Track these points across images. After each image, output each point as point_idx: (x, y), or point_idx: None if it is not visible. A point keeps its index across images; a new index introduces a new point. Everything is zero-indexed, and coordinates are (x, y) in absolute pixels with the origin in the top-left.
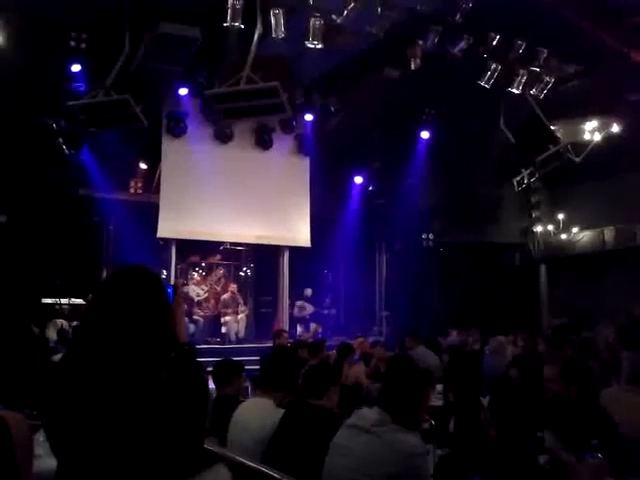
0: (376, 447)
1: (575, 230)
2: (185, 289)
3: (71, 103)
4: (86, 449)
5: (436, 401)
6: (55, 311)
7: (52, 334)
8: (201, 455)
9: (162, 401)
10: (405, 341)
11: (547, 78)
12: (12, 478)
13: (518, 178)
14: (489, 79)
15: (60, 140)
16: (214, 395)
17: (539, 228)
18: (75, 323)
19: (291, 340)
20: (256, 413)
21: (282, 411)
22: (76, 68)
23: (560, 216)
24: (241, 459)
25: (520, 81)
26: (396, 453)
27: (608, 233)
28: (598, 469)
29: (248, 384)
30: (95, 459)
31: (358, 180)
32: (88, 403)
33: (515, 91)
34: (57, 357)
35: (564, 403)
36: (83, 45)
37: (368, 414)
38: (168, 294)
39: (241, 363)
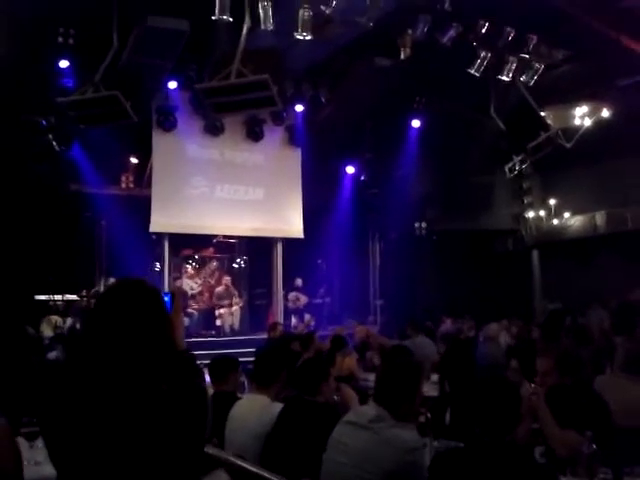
0: (374, 444)
1: (567, 215)
2: (179, 283)
3: (60, 100)
4: (85, 458)
5: (432, 391)
6: (49, 307)
7: (46, 330)
8: (201, 462)
9: (162, 411)
10: (406, 329)
11: (537, 65)
12: None
13: (510, 165)
14: (479, 67)
15: (50, 136)
16: (211, 392)
17: (531, 214)
18: (69, 319)
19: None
20: (253, 410)
21: (279, 405)
22: (64, 64)
23: (552, 201)
24: (241, 463)
25: (510, 68)
26: (394, 449)
27: (599, 218)
28: (593, 458)
29: (244, 379)
30: (94, 468)
31: (350, 170)
32: (88, 412)
33: (505, 78)
34: (52, 354)
35: (558, 393)
36: (71, 41)
37: (366, 410)
38: (166, 304)
39: (237, 359)
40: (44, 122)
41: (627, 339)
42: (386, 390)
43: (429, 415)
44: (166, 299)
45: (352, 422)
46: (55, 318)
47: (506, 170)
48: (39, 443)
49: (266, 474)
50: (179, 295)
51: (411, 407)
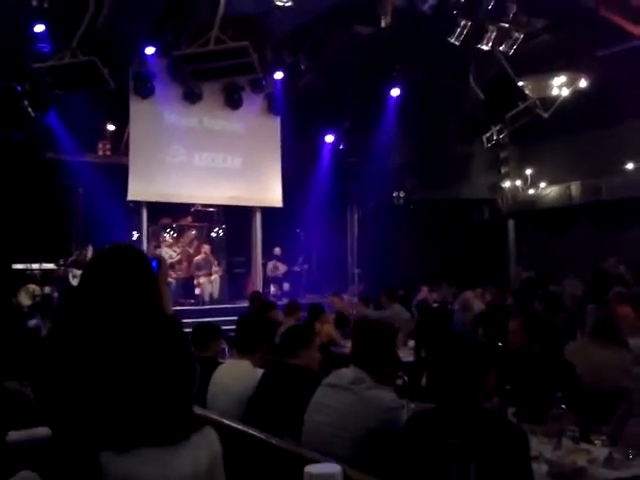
0: (354, 404)
1: (543, 185)
2: (158, 251)
3: (37, 65)
4: (79, 416)
5: (409, 357)
6: (26, 276)
7: (24, 299)
8: (190, 420)
9: (152, 369)
10: (380, 298)
11: (516, 34)
12: None
13: (487, 135)
14: (459, 36)
15: (25, 103)
16: None
17: (508, 184)
18: (47, 288)
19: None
20: (235, 375)
21: (261, 371)
22: (40, 28)
23: (528, 171)
24: (224, 420)
25: (489, 37)
26: (373, 409)
27: (575, 188)
28: (562, 418)
29: (225, 346)
30: (89, 426)
31: (329, 139)
32: (81, 374)
33: (484, 47)
34: (32, 323)
35: (527, 356)
36: (46, 4)
37: (345, 373)
38: (153, 269)
39: (219, 326)
40: (19, 88)
41: (597, 307)
42: (363, 353)
43: (406, 378)
44: (153, 265)
45: (332, 384)
46: (33, 287)
47: (484, 140)
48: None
49: (251, 431)
50: (164, 262)
51: (387, 370)
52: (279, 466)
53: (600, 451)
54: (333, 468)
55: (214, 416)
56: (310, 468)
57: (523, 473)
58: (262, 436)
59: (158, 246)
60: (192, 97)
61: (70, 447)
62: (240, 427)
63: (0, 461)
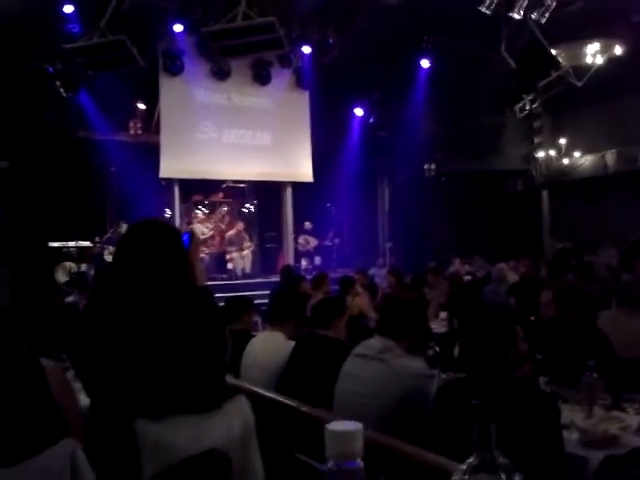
0: (383, 372)
1: (577, 155)
2: (190, 228)
3: (67, 46)
4: (116, 386)
5: (441, 328)
6: (63, 254)
7: (61, 277)
8: (223, 389)
9: (184, 342)
10: (427, 278)
11: (548, 1)
12: (54, 416)
13: (520, 104)
14: (490, 4)
15: (57, 83)
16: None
17: (541, 154)
18: (84, 265)
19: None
20: (268, 347)
21: (293, 343)
22: (69, 9)
23: (562, 141)
24: (258, 389)
25: (521, 5)
26: (402, 377)
27: (610, 156)
28: (594, 386)
29: (258, 318)
30: (125, 395)
31: (358, 112)
32: (116, 343)
33: (516, 16)
34: (69, 299)
35: (559, 327)
36: None
37: (373, 342)
38: (184, 243)
39: (251, 299)
40: (50, 69)
41: (630, 275)
42: (388, 323)
43: (437, 349)
44: (184, 239)
45: (361, 354)
46: (69, 264)
47: (516, 110)
48: (69, 376)
49: (282, 399)
50: (196, 236)
51: (415, 340)
52: (311, 434)
53: (632, 419)
54: (354, 425)
55: (247, 386)
56: (331, 426)
57: (553, 440)
58: (294, 404)
59: (190, 222)
60: (221, 74)
61: (106, 416)
62: (273, 396)
63: (45, 429)
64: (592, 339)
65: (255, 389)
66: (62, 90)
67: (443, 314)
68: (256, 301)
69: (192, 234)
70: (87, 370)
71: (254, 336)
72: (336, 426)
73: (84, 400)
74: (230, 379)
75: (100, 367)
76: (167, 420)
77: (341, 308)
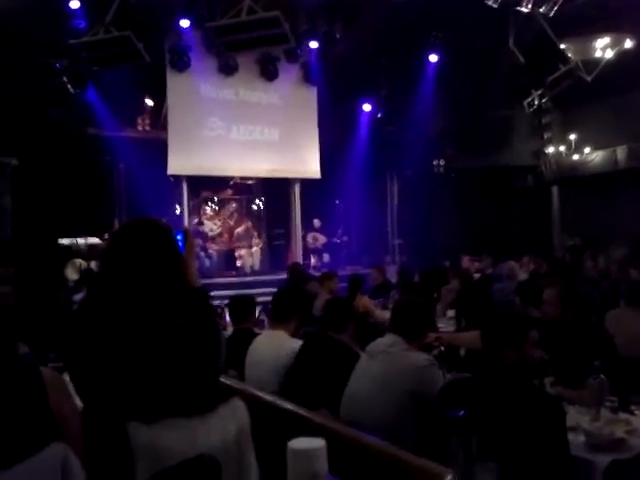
0: (389, 365)
1: (587, 150)
2: (200, 226)
3: (73, 42)
4: (108, 388)
5: (449, 327)
6: (72, 252)
7: (71, 274)
8: (217, 391)
9: (176, 343)
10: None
11: None
12: (46, 421)
13: (529, 99)
14: None
15: (64, 79)
16: (231, 330)
17: (551, 149)
18: (93, 263)
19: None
20: (271, 345)
21: (297, 341)
22: (75, 5)
23: (572, 136)
24: (256, 392)
25: None
26: (408, 368)
27: (620, 152)
28: (600, 388)
29: (264, 317)
30: (117, 398)
31: (366, 108)
32: (108, 345)
33: (524, 10)
34: (78, 296)
35: (562, 326)
36: None
37: (381, 340)
38: (178, 242)
39: (253, 298)
40: (58, 65)
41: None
42: (400, 320)
43: (443, 348)
44: (179, 237)
45: (370, 352)
46: (79, 261)
47: (525, 105)
48: (65, 377)
49: (280, 402)
50: (190, 235)
51: (423, 339)
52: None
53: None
54: (317, 443)
55: (245, 387)
56: (293, 443)
57: (559, 443)
58: (294, 409)
59: (200, 219)
60: (228, 69)
61: (99, 418)
62: (271, 399)
63: (35, 430)
64: (596, 338)
65: (253, 391)
66: (69, 86)
67: (451, 312)
68: (264, 299)
69: (186, 233)
70: (78, 372)
71: (258, 334)
72: (298, 444)
73: (76, 402)
74: (228, 379)
75: (91, 368)
76: (160, 423)
77: (352, 310)
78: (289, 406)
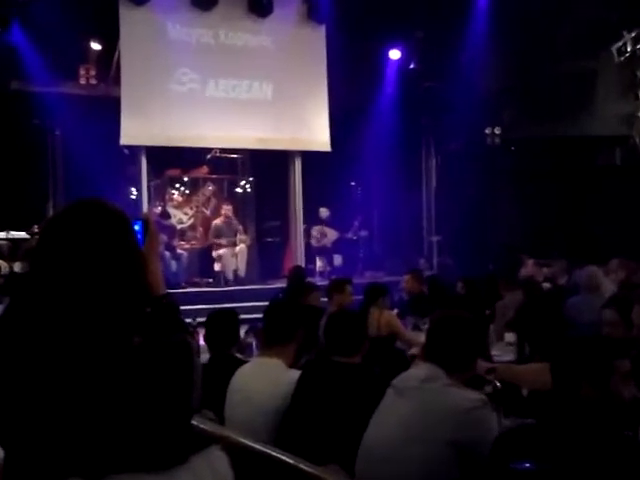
0: (425, 405)
1: None
2: (144, 214)
3: None
4: (36, 434)
5: (507, 355)
6: None
7: None
8: (188, 438)
9: (134, 370)
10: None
11: None
12: None
13: (619, 44)
14: None
15: None
16: (207, 357)
17: None
18: (18, 264)
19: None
20: (262, 377)
21: (297, 372)
22: None
23: None
24: (241, 439)
25: None
26: (450, 410)
27: None
28: None
29: (253, 340)
30: (47, 447)
31: (394, 55)
32: (37, 378)
33: None
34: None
35: None
36: None
37: (414, 373)
38: (136, 233)
39: (236, 312)
40: None
41: None
42: (437, 346)
43: (499, 385)
44: (136, 227)
45: (398, 388)
46: (0, 263)
47: (613, 52)
48: None
49: (275, 453)
50: (152, 224)
51: (471, 370)
52: None
53: None
54: None
55: (225, 432)
56: None
57: None
58: (293, 461)
59: (164, 207)
60: (204, 2)
61: (27, 473)
62: (261, 448)
63: None
64: None
65: (238, 438)
66: None
67: (510, 336)
68: (253, 315)
69: (147, 221)
70: None
71: (244, 363)
72: None
73: None
74: (205, 422)
75: (13, 407)
76: None
77: (365, 328)
78: (286, 458)
